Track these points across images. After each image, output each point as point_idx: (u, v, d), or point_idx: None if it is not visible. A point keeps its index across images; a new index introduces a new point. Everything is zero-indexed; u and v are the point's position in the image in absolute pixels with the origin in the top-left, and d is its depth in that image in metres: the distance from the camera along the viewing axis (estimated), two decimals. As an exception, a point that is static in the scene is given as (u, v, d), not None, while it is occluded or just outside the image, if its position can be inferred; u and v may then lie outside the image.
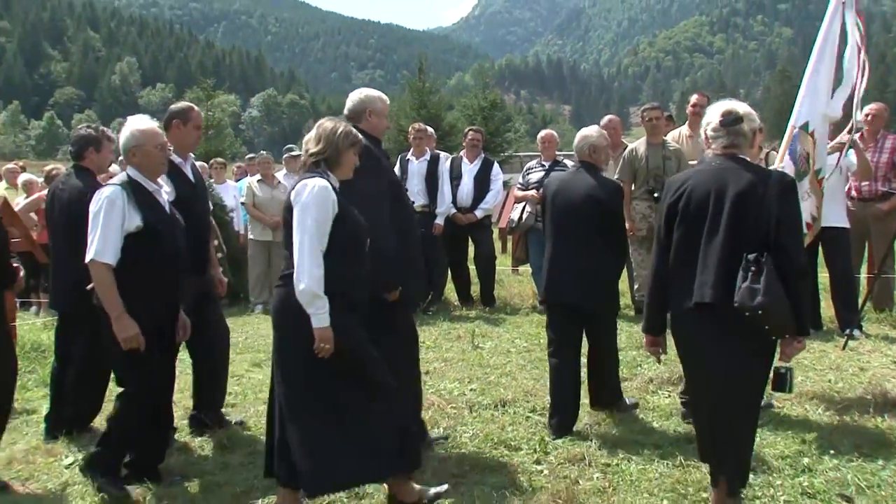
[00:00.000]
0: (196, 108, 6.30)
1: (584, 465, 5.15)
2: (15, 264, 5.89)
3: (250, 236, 11.95)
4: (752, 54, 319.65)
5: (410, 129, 11.51)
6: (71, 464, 5.54)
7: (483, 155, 11.33)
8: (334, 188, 4.49)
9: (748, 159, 4.52)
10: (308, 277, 4.27)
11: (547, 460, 5.23)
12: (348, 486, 4.65)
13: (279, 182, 11.98)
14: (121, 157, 5.79)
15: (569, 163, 11.10)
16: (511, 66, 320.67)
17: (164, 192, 5.42)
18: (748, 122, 4.50)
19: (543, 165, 10.55)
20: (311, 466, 4.31)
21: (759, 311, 3.99)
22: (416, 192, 10.63)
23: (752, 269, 4.08)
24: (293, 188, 4.51)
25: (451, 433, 5.83)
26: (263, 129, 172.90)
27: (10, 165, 14.06)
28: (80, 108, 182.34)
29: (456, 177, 10.88)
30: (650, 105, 9.74)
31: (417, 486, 4.71)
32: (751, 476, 4.69)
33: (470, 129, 11.75)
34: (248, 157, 13.16)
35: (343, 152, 4.63)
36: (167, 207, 5.29)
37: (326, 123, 4.74)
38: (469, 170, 10.97)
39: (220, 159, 14.76)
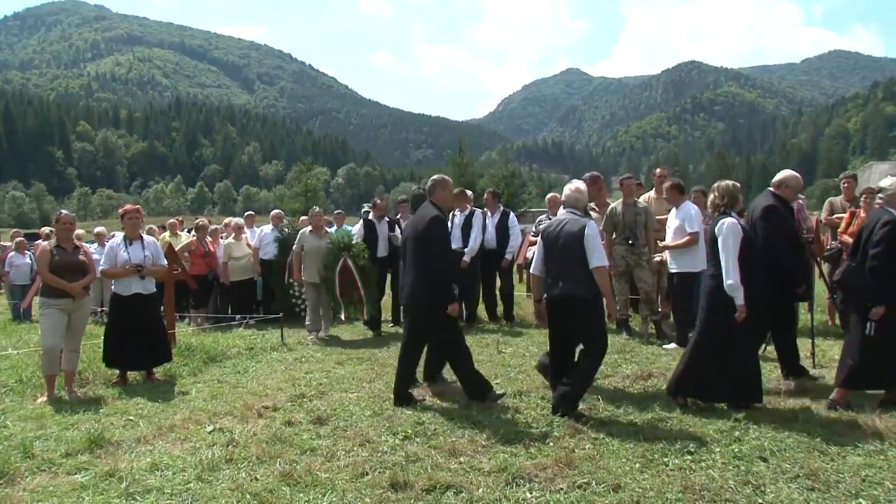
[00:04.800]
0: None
1: (579, 439, 5.10)
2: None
3: (304, 278, 10.50)
4: (697, 140, 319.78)
5: (455, 191, 11.47)
6: (211, 431, 5.59)
7: (502, 208, 11.31)
8: (738, 221, 5.74)
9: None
10: (734, 278, 5.50)
11: (552, 435, 5.19)
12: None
13: (326, 232, 10.70)
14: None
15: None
16: (526, 147, 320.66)
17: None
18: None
19: (550, 218, 10.55)
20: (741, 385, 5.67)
21: None
22: (455, 238, 10.58)
23: None
24: (717, 223, 5.74)
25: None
26: (346, 192, 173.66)
27: (172, 220, 14.29)
28: (220, 179, 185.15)
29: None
30: (626, 175, 9.74)
31: None
32: (695, 444, 4.92)
33: (487, 191, 11.71)
34: (335, 211, 13.07)
35: (737, 198, 5.86)
36: None
37: (723, 183, 5.96)
38: (491, 220, 10.91)
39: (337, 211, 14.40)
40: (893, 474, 4.34)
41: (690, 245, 8.13)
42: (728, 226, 5.65)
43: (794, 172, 6.54)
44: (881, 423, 5.26)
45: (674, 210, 8.46)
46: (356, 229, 11.15)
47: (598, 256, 5.64)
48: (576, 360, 5.91)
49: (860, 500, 4.01)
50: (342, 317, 10.57)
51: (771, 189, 6.42)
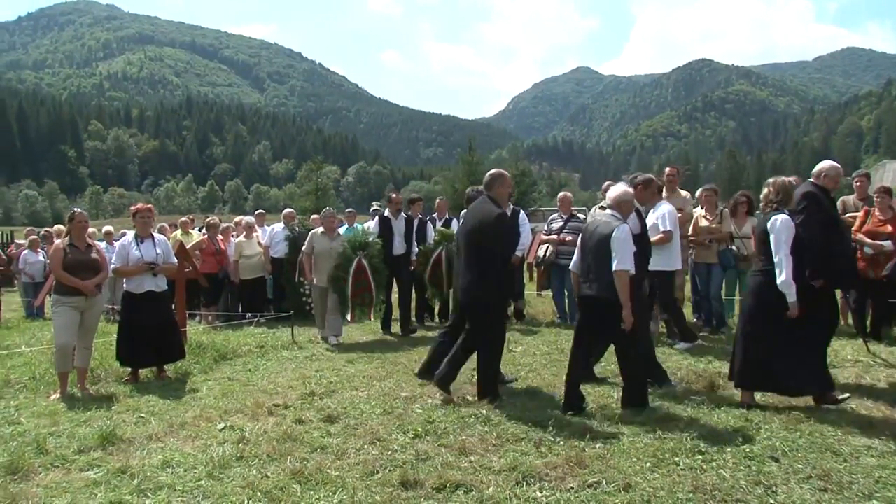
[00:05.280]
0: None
1: (589, 438, 5.08)
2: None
3: (314, 282, 9.94)
4: (708, 139, 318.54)
5: (468, 190, 11.19)
6: (222, 428, 5.60)
7: (512, 206, 11.10)
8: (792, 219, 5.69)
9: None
10: (788, 275, 5.49)
11: (563, 434, 5.18)
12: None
13: (338, 234, 10.13)
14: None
15: (581, 216, 11.01)
16: (536, 145, 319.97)
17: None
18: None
19: (563, 217, 10.49)
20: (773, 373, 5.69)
21: None
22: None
23: None
24: (769, 219, 5.69)
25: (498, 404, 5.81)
26: (356, 190, 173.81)
27: (183, 219, 14.34)
28: (230, 178, 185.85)
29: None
30: (635, 175, 9.56)
31: None
32: (706, 444, 4.88)
33: None
34: (347, 210, 13.11)
35: (791, 195, 5.82)
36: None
37: (779, 180, 5.91)
38: None
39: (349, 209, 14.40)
40: (907, 475, 4.31)
41: (663, 243, 8.10)
42: (782, 222, 5.64)
43: (832, 162, 6.47)
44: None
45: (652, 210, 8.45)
46: (372, 226, 10.60)
47: (620, 260, 5.61)
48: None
49: (873, 501, 3.98)
50: (348, 318, 9.87)
51: (811, 180, 6.36)
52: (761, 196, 6.02)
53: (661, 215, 8.17)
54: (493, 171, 6.56)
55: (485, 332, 6.26)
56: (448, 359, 6.40)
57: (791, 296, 5.53)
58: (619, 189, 6.13)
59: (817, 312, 5.77)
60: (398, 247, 10.35)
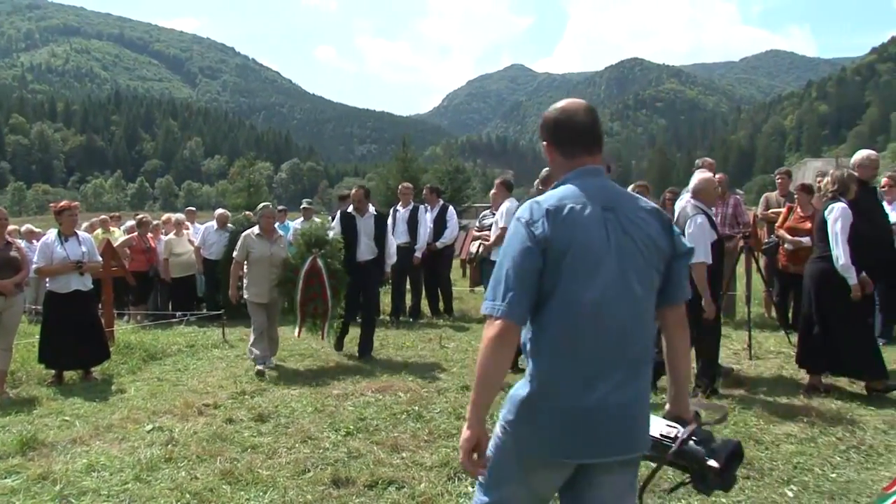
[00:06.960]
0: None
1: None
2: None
3: (246, 296, 7.76)
4: (640, 136, 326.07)
5: (400, 186, 11.19)
6: (150, 429, 5.47)
7: (441, 202, 11.17)
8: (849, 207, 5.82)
9: None
10: (845, 259, 5.66)
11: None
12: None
13: (279, 236, 8.07)
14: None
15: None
16: (470, 142, 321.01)
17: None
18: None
19: (494, 213, 10.53)
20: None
21: None
22: (400, 233, 10.51)
23: None
24: (826, 207, 5.91)
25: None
26: (289, 187, 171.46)
27: (104, 216, 13.95)
28: (161, 174, 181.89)
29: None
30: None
31: None
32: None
33: (425, 186, 11.60)
34: (279, 207, 12.83)
35: (849, 186, 5.94)
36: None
37: (837, 172, 6.09)
38: (430, 214, 10.83)
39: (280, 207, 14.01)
40: (822, 461, 4.51)
41: (500, 242, 8.42)
42: (838, 210, 5.81)
43: (869, 152, 6.60)
44: (814, 412, 5.41)
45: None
46: (333, 226, 8.45)
47: (695, 252, 5.63)
48: None
49: (791, 486, 4.14)
50: (296, 333, 8.06)
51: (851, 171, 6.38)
52: (821, 186, 6.26)
53: (501, 212, 8.41)
54: (546, 169, 6.76)
55: None
56: None
57: (851, 278, 5.73)
58: (699, 177, 6.13)
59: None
60: (364, 251, 8.30)
